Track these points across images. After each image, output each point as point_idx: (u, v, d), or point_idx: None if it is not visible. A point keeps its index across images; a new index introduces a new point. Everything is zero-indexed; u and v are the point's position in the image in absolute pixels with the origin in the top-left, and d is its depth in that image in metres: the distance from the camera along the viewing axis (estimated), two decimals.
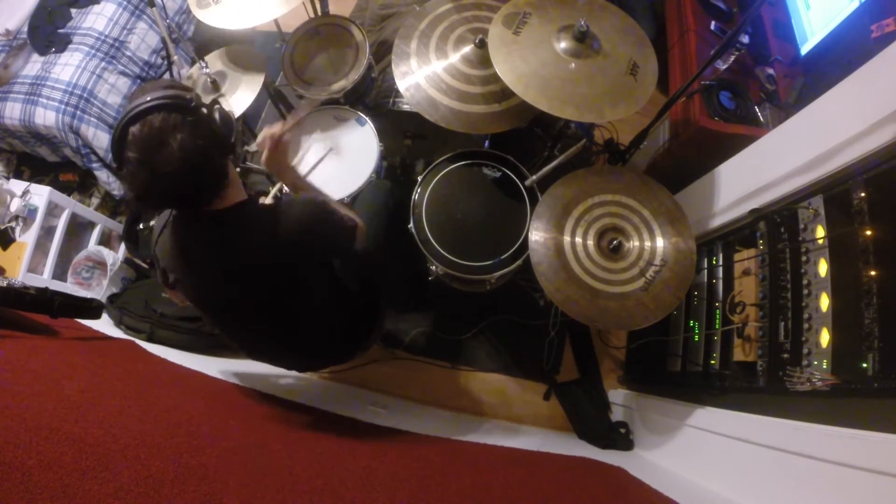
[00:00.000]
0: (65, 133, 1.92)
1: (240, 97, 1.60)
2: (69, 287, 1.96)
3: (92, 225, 2.13)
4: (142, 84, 1.10)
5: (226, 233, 1.01)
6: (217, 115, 0.97)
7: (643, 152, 1.90)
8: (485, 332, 1.94)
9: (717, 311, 1.38)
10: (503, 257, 1.43)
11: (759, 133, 1.49)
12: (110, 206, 2.29)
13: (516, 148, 1.57)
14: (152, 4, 1.63)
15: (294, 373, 1.53)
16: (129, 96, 0.94)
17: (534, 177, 1.48)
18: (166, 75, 2.20)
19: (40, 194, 1.86)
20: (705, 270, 1.47)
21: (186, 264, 1.07)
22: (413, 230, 1.45)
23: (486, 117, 1.44)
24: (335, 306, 1.25)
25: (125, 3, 2.13)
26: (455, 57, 1.48)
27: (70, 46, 2.02)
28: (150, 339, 1.70)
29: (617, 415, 1.83)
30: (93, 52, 2.01)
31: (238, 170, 1.31)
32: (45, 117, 1.90)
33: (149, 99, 0.88)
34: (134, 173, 0.87)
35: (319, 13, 1.86)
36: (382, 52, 2.13)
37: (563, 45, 1.32)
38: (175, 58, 1.78)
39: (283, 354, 1.30)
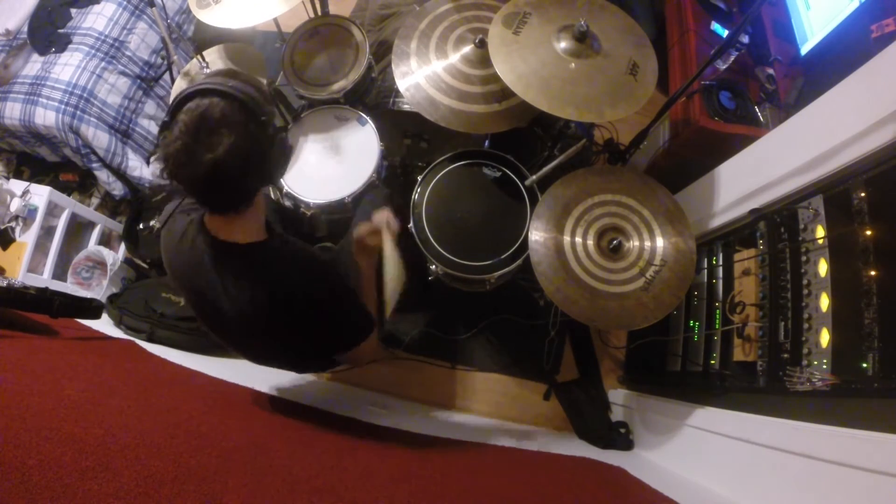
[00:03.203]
0: (65, 133, 1.92)
1: None
2: (69, 287, 1.96)
3: (92, 225, 2.13)
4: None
5: (236, 270, 0.98)
6: (278, 144, 0.92)
7: (643, 152, 1.90)
8: (485, 332, 1.93)
9: (717, 311, 1.38)
10: (503, 257, 1.43)
11: (759, 133, 1.49)
12: (110, 206, 2.29)
13: (516, 148, 1.57)
14: (152, 4, 1.63)
15: (293, 373, 1.54)
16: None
17: (534, 177, 1.48)
18: (166, 75, 2.20)
19: (40, 194, 1.86)
20: (705, 270, 1.47)
21: (187, 282, 1.05)
22: (413, 230, 1.45)
23: (486, 117, 1.44)
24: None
25: (125, 2, 2.13)
26: (455, 57, 1.48)
27: (70, 46, 2.02)
28: (150, 339, 1.70)
29: (617, 415, 1.83)
30: (93, 51, 2.01)
31: None
32: (45, 117, 1.90)
33: (231, 84, 0.85)
34: (174, 138, 0.83)
35: (319, 13, 1.86)
36: (382, 52, 2.13)
37: (563, 45, 1.32)
38: (175, 58, 1.78)
39: (281, 360, 1.30)
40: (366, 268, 1.23)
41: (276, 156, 0.94)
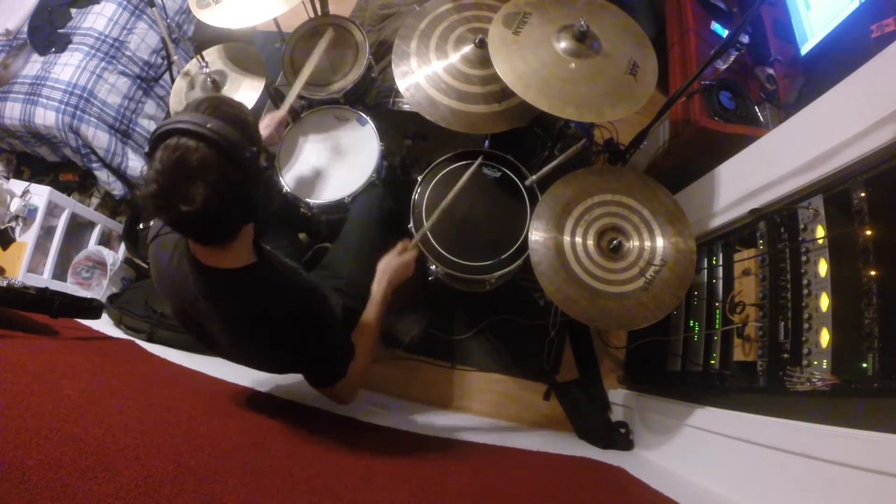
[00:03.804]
0: (65, 133, 1.92)
1: (241, 99, 1.60)
2: (69, 287, 1.96)
3: (92, 225, 2.13)
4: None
5: (224, 296, 0.96)
6: (262, 185, 0.89)
7: (643, 152, 1.90)
8: (485, 332, 1.93)
9: (717, 311, 1.38)
10: (503, 257, 1.43)
11: (759, 133, 1.49)
12: (110, 206, 2.29)
13: (516, 148, 1.57)
14: (152, 4, 1.63)
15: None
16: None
17: (534, 177, 1.48)
18: (166, 75, 2.20)
19: (40, 194, 1.86)
20: (705, 270, 1.47)
21: (172, 298, 1.05)
22: (413, 230, 1.45)
23: (486, 117, 1.44)
24: None
25: (125, 2, 2.13)
26: (455, 57, 1.48)
27: (70, 46, 2.02)
28: (150, 339, 1.70)
29: (617, 415, 1.83)
30: (93, 51, 2.01)
31: None
32: (45, 117, 1.90)
33: (211, 126, 0.79)
34: (151, 179, 0.79)
35: (319, 13, 1.86)
36: (382, 52, 2.13)
37: (563, 44, 1.32)
38: (175, 58, 1.77)
39: (271, 370, 1.30)
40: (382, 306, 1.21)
41: (260, 196, 0.90)
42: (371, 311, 1.21)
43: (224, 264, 0.94)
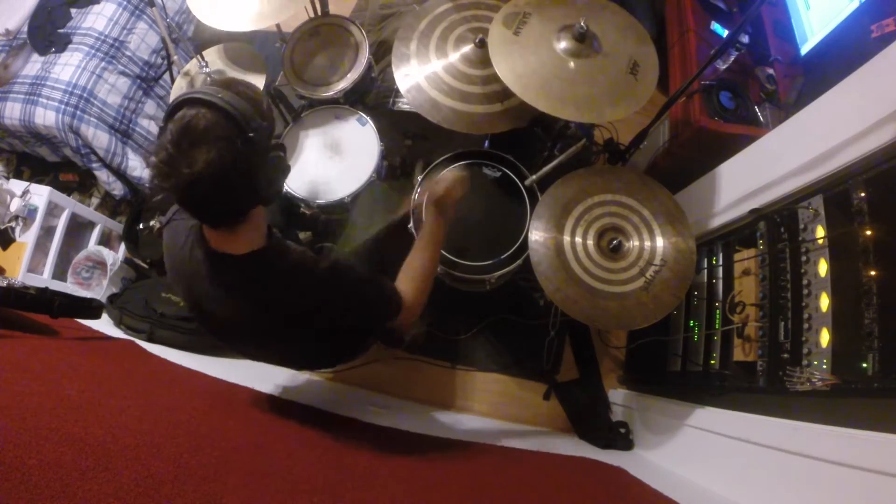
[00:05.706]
0: (65, 133, 1.92)
1: None
2: (69, 287, 1.96)
3: (92, 225, 2.13)
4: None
5: (235, 281, 0.95)
6: (270, 163, 0.88)
7: (643, 152, 1.90)
8: (485, 332, 1.93)
9: (717, 311, 1.38)
10: (503, 257, 1.43)
11: (759, 133, 1.49)
12: (110, 206, 2.29)
13: (516, 148, 1.57)
14: (152, 4, 1.63)
15: (293, 373, 1.54)
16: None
17: (534, 176, 1.48)
18: (166, 75, 2.20)
19: (40, 194, 1.86)
20: (705, 270, 1.47)
21: (185, 288, 1.04)
22: (413, 230, 1.45)
23: (486, 117, 1.44)
24: None
25: (125, 2, 2.13)
26: (455, 57, 1.48)
27: (70, 46, 2.02)
28: (150, 339, 1.70)
29: (617, 415, 1.83)
30: (93, 51, 2.01)
31: None
32: (45, 117, 1.90)
33: (221, 96, 0.81)
34: (160, 147, 0.81)
35: (319, 13, 1.86)
36: (382, 52, 2.12)
37: (562, 44, 1.32)
38: (175, 58, 1.77)
39: (279, 363, 1.31)
40: (437, 228, 1.18)
41: (267, 175, 0.89)
42: (427, 226, 1.19)
43: (234, 249, 0.94)
